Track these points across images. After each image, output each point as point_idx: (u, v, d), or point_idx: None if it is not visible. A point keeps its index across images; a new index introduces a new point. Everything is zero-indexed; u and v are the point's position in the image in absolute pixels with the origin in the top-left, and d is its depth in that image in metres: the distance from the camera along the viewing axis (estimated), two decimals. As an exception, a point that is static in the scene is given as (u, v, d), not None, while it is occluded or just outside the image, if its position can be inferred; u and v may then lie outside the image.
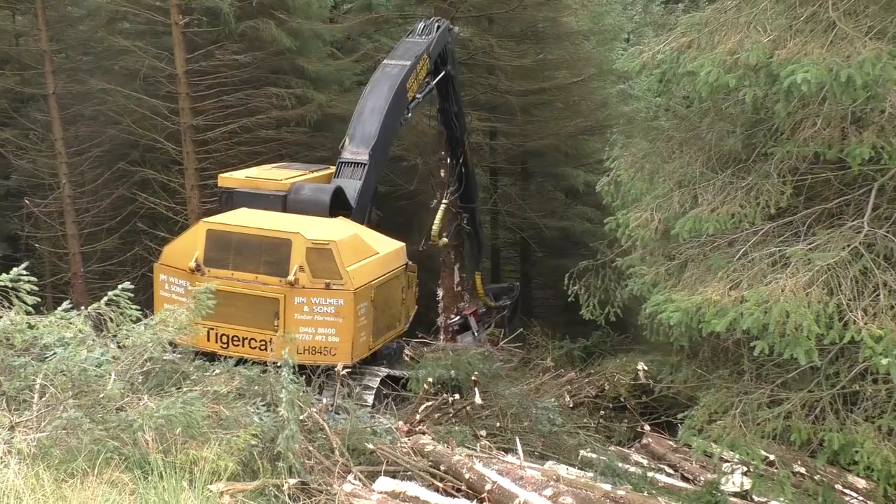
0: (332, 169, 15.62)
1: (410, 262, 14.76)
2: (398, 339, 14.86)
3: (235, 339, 12.27)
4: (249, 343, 12.23)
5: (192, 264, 12.38)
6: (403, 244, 14.31)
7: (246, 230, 12.64)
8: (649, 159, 10.79)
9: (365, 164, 14.88)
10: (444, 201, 19.57)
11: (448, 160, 20.22)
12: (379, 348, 13.63)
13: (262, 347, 12.12)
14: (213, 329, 11.97)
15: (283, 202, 14.06)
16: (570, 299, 13.10)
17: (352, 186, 14.66)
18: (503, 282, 25.58)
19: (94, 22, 22.23)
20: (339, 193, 14.32)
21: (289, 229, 12.52)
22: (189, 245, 12.76)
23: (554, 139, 24.16)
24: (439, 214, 19.33)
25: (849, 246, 8.23)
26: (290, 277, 12.04)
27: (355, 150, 15.08)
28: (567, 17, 23.42)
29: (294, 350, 10.79)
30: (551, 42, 23.89)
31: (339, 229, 13.16)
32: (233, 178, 14.96)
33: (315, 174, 15.30)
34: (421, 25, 17.65)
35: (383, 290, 13.19)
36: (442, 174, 20.83)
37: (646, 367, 15.91)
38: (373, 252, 13.18)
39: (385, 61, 16.71)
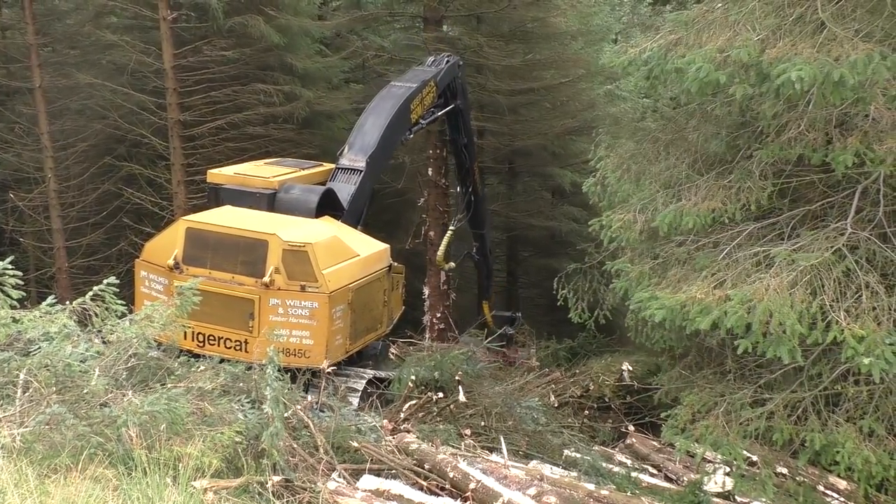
0: (325, 166, 15.66)
1: (396, 264, 14.70)
2: (384, 338, 14.83)
3: (212, 338, 12.26)
4: (225, 343, 12.23)
5: (171, 262, 12.34)
6: (387, 246, 14.24)
7: (224, 230, 12.56)
8: (635, 160, 10.84)
9: (361, 171, 14.96)
10: (451, 228, 19.95)
11: (458, 188, 20.62)
12: (361, 349, 13.60)
13: (238, 347, 12.10)
14: (190, 327, 11.94)
15: (269, 200, 13.99)
16: (559, 303, 13.15)
17: (346, 191, 14.69)
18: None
19: (82, 16, 22.11)
20: (329, 195, 14.27)
21: (266, 230, 12.45)
22: (169, 242, 12.70)
23: (541, 139, 24.23)
24: (445, 240, 19.71)
25: (832, 247, 8.30)
26: (266, 279, 12.03)
27: (353, 158, 15.19)
28: (556, 17, 23.46)
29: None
30: (540, 42, 23.94)
31: (318, 231, 13.06)
32: (221, 175, 14.87)
33: (307, 171, 15.24)
34: (431, 59, 18.24)
35: (363, 292, 13.12)
36: (430, 172, 20.89)
37: (630, 368, 15.98)
38: (353, 254, 13.10)
39: (392, 83, 17.10)
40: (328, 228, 13.41)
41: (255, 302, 12.09)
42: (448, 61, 17.98)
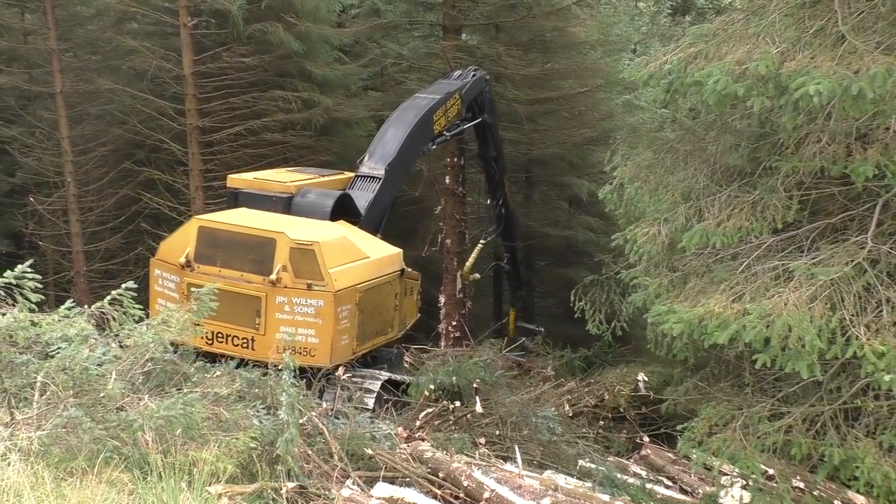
0: (345, 174, 15.73)
1: (411, 270, 14.71)
2: (397, 344, 14.84)
3: (220, 335, 12.35)
4: (232, 340, 12.32)
5: (183, 260, 12.51)
6: (400, 250, 14.27)
7: (234, 228, 12.74)
8: (653, 170, 10.80)
9: (380, 179, 15.04)
10: (481, 241, 20.24)
11: (488, 201, 20.88)
12: (370, 352, 13.61)
13: (245, 345, 12.22)
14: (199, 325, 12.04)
15: (286, 204, 14.11)
16: (576, 315, 13.12)
17: (364, 198, 14.79)
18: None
19: (103, 22, 22.28)
20: (345, 200, 14.34)
21: (275, 229, 12.57)
22: (182, 241, 12.88)
23: (559, 148, 24.15)
24: (474, 253, 20.11)
25: (852, 261, 8.23)
26: (273, 276, 12.10)
27: (373, 166, 15.29)
28: (575, 27, 23.40)
29: (274, 349, 10.86)
30: (559, 51, 23.88)
31: (327, 231, 13.15)
32: (240, 179, 15.05)
33: (325, 178, 15.33)
34: (457, 73, 18.38)
35: (372, 294, 13.15)
36: (447, 180, 20.89)
37: (646, 379, 15.87)
38: (362, 256, 13.15)
39: (416, 94, 17.24)
40: (338, 229, 13.49)
41: (261, 299, 12.17)
42: (475, 75, 18.09)
